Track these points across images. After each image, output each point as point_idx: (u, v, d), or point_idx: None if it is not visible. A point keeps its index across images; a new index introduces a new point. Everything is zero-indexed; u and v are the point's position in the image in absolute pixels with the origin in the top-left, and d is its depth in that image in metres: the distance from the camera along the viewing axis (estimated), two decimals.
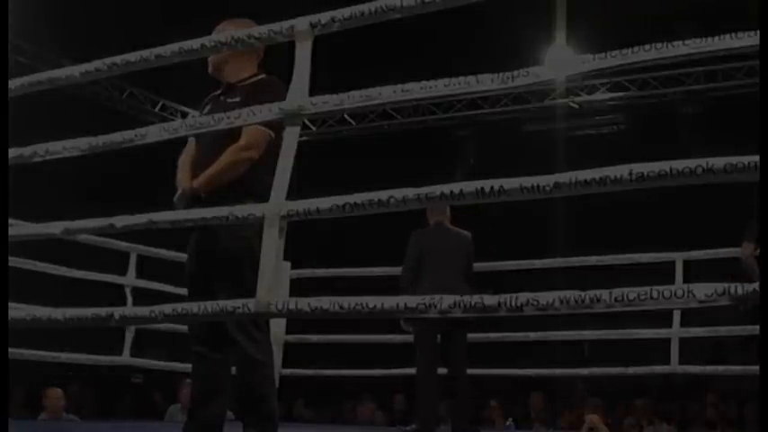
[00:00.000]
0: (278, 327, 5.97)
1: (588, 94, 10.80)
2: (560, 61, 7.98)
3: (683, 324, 5.94)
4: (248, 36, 2.92)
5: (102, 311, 2.83)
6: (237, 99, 3.36)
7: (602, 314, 2.27)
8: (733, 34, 2.16)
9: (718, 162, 2.09)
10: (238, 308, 2.57)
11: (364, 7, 2.63)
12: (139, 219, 2.89)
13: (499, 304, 2.22)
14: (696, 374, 6.79)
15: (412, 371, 6.71)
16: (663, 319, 6.07)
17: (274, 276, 2.56)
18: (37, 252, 5.27)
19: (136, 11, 9.05)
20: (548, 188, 2.27)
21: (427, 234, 5.60)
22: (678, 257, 5.86)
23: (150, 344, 7.49)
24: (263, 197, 2.72)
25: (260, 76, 3.53)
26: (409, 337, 6.60)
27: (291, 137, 2.69)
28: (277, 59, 3.44)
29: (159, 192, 3.71)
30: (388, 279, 6.09)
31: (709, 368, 6.78)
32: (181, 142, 3.47)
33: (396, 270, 6.63)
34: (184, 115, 10.70)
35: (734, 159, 2.07)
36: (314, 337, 6.92)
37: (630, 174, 2.17)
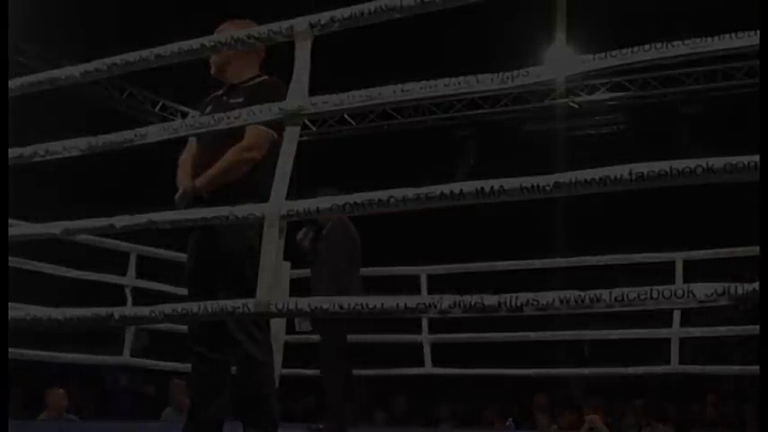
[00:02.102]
0: (278, 327, 5.97)
1: (588, 94, 10.80)
2: (560, 61, 7.98)
3: (682, 324, 5.94)
4: (248, 36, 2.92)
5: (102, 311, 2.83)
6: (240, 100, 3.36)
7: (603, 314, 2.28)
8: (733, 34, 2.16)
9: (718, 162, 2.09)
10: (238, 308, 2.57)
11: (364, 7, 2.63)
12: (139, 219, 2.89)
13: (499, 304, 2.22)
14: (696, 374, 6.79)
15: (413, 371, 6.72)
16: (663, 319, 6.07)
17: (274, 276, 2.56)
18: (37, 252, 5.27)
19: (136, 11, 9.05)
20: (548, 188, 2.27)
21: (346, 231, 5.40)
22: (678, 257, 5.86)
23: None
24: (264, 197, 2.72)
25: (263, 77, 3.53)
26: (409, 337, 6.61)
27: (291, 137, 2.69)
28: (277, 59, 3.44)
29: (159, 192, 3.71)
30: (387, 279, 6.09)
31: (709, 368, 6.78)
32: (181, 142, 3.47)
33: (395, 270, 6.65)
34: (184, 115, 10.70)
35: (734, 159, 2.07)
36: (316, 337, 6.91)
37: (630, 174, 2.17)
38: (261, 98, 3.01)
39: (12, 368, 3.11)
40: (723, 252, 5.85)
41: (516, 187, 2.30)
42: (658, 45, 2.25)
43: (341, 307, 2.41)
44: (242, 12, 3.52)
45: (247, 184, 3.28)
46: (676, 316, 5.92)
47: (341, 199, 2.54)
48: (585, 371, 7.60)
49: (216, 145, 3.35)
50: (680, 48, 2.23)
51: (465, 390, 10.60)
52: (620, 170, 2.19)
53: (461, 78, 2.47)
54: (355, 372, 5.55)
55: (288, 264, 6.11)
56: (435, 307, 2.31)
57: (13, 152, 3.14)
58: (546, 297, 2.18)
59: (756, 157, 2.03)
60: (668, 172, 2.12)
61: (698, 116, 10.53)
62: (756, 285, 1.96)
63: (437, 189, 2.40)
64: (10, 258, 3.37)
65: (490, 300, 2.24)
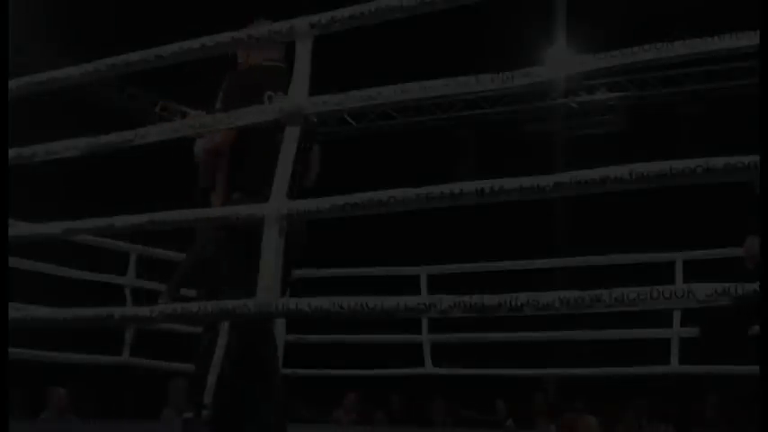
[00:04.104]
0: (278, 327, 5.97)
1: (588, 94, 10.80)
2: (560, 61, 7.98)
3: (682, 324, 5.94)
4: (248, 36, 2.92)
5: (103, 311, 2.83)
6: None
7: (603, 314, 2.27)
8: (733, 34, 2.16)
9: (718, 162, 2.09)
10: (238, 308, 2.57)
11: (364, 7, 2.63)
12: (139, 219, 2.89)
13: (499, 304, 2.22)
14: (696, 374, 6.78)
15: (411, 371, 6.70)
16: (663, 318, 6.06)
17: (274, 276, 2.56)
18: (37, 252, 5.26)
19: (136, 11, 9.05)
20: (548, 188, 2.27)
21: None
22: (678, 257, 5.85)
23: None
24: (256, 194, 2.71)
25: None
26: (409, 337, 6.61)
27: (291, 137, 2.69)
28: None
29: (159, 192, 3.71)
30: (387, 279, 6.09)
31: (709, 368, 6.77)
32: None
33: (395, 270, 6.64)
34: (184, 115, 10.69)
35: (734, 159, 2.07)
36: (314, 337, 6.92)
37: (630, 174, 2.17)
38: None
39: (12, 368, 3.10)
40: (723, 252, 5.84)
41: (516, 187, 2.30)
42: (658, 45, 2.25)
43: (341, 307, 2.41)
44: (242, 12, 3.52)
45: (233, 179, 3.29)
46: (676, 316, 5.92)
47: (341, 199, 2.54)
48: (585, 371, 7.58)
49: None
50: (680, 48, 2.23)
51: (465, 390, 10.60)
52: (620, 170, 2.19)
53: (461, 78, 2.48)
54: (351, 372, 5.53)
55: None
56: (435, 307, 2.31)
57: (13, 152, 3.14)
58: (546, 297, 2.18)
59: (756, 157, 2.03)
60: (668, 172, 2.12)
61: (698, 116, 10.52)
62: (756, 285, 1.96)
63: (437, 189, 2.40)
64: (10, 258, 3.37)
65: (490, 300, 2.24)
